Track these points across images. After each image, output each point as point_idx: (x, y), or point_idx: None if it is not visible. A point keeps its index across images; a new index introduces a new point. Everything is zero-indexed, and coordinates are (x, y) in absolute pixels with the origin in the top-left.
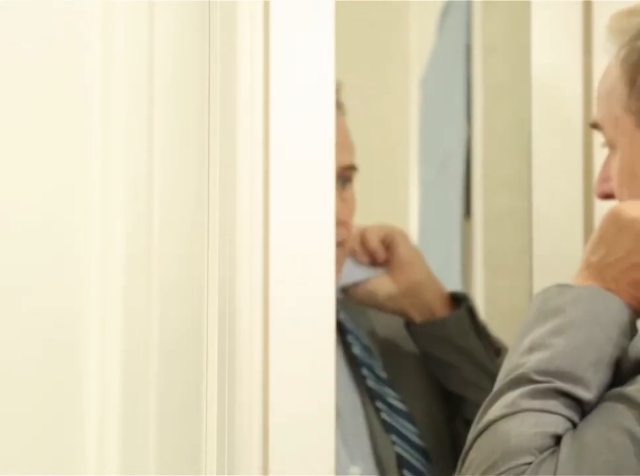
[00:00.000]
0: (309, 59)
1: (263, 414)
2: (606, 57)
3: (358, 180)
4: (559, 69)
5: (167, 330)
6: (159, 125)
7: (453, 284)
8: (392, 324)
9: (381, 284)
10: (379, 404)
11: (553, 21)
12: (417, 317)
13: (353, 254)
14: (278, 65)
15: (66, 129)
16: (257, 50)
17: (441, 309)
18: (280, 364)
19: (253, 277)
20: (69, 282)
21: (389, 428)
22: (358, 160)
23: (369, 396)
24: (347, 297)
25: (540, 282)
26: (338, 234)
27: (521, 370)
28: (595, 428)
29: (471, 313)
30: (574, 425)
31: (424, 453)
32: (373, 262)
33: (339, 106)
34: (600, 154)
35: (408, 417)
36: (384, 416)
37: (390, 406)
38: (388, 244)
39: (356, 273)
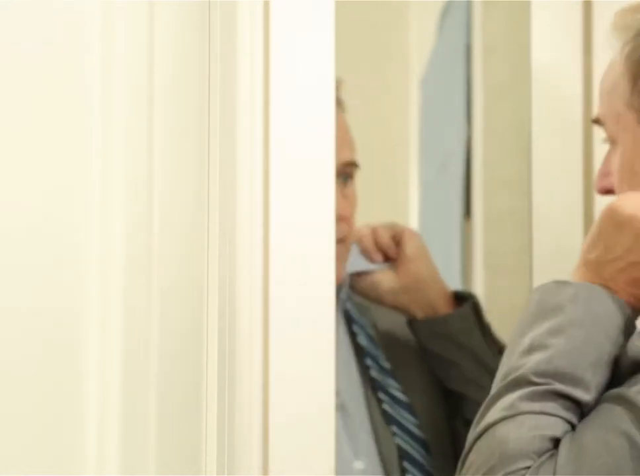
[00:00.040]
0: (309, 59)
1: (263, 414)
2: (609, 54)
3: (358, 180)
4: (559, 69)
5: (167, 330)
6: (159, 125)
7: (453, 284)
8: (394, 318)
9: (384, 278)
10: (381, 395)
11: (553, 21)
12: (419, 314)
13: (365, 253)
14: (278, 65)
15: (66, 129)
16: (257, 50)
17: (444, 307)
18: (280, 364)
19: (253, 278)
20: (69, 282)
21: (389, 419)
22: (358, 160)
23: (372, 387)
24: (351, 287)
25: (540, 282)
26: (339, 230)
27: (520, 372)
28: (593, 430)
29: (477, 310)
30: (573, 427)
31: (423, 444)
32: (385, 259)
33: (339, 103)
34: (600, 153)
35: (409, 408)
36: (385, 407)
37: (392, 397)
38: (397, 240)
39: (361, 264)
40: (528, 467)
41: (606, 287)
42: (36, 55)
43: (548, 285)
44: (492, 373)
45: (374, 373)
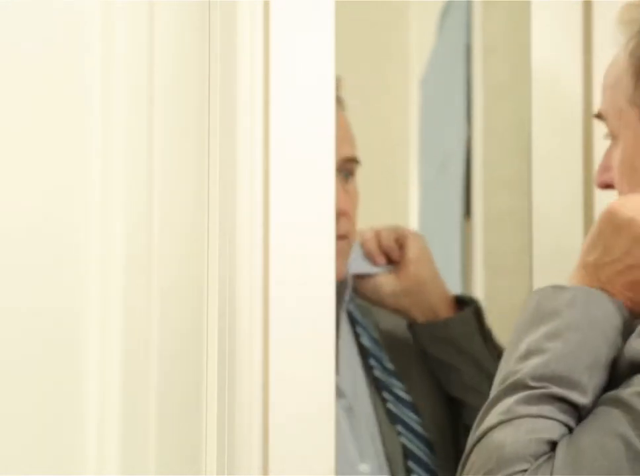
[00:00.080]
0: (309, 59)
1: (263, 414)
2: (610, 52)
3: (358, 180)
4: (559, 69)
5: (167, 330)
6: (159, 125)
7: (453, 284)
8: (397, 320)
9: (386, 280)
10: (386, 395)
11: (553, 21)
12: (419, 317)
13: (369, 255)
14: (278, 65)
15: (66, 129)
16: (257, 50)
17: (444, 311)
18: (280, 364)
19: (253, 278)
20: (69, 282)
21: (394, 419)
22: (359, 157)
23: (376, 387)
24: (354, 288)
25: (540, 282)
26: (341, 226)
27: (517, 376)
28: (590, 433)
29: (478, 315)
30: (570, 430)
31: (428, 444)
32: (388, 261)
33: (339, 101)
34: (600, 153)
35: (413, 407)
36: (390, 406)
37: (396, 396)
38: (401, 243)
39: (362, 265)
40: (525, 470)
41: (604, 289)
42: (36, 55)
43: (545, 290)
44: (492, 379)
45: (378, 373)
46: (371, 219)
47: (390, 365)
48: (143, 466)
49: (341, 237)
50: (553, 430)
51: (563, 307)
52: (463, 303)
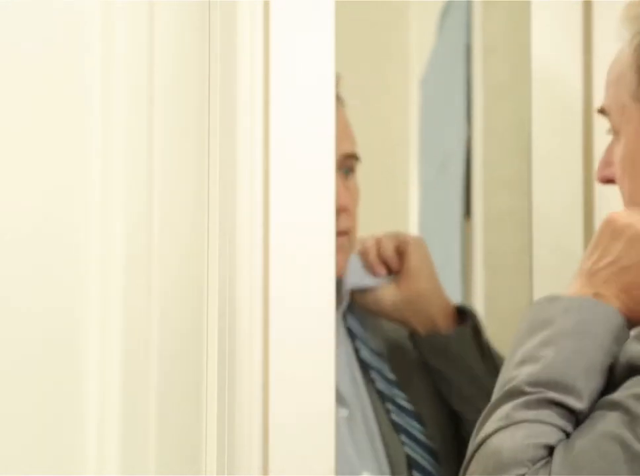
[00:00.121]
0: (309, 59)
1: (263, 414)
2: (611, 51)
3: (358, 180)
4: (559, 69)
5: (167, 330)
6: (159, 125)
7: (453, 284)
8: (397, 329)
9: (387, 292)
10: (389, 406)
11: (553, 21)
12: (419, 328)
13: (368, 266)
14: (278, 65)
15: (66, 129)
16: (257, 50)
17: (444, 323)
18: (280, 364)
19: (253, 278)
20: (69, 282)
21: (398, 428)
22: (358, 164)
23: (379, 398)
24: (352, 301)
25: (540, 282)
26: (342, 222)
27: (513, 383)
28: (587, 436)
29: (476, 331)
30: (567, 435)
31: (432, 453)
32: (388, 271)
33: (338, 98)
34: (600, 152)
35: (416, 417)
36: (393, 416)
37: (399, 406)
38: (402, 251)
39: (362, 278)
40: (523, 475)
41: (600, 295)
42: (36, 55)
43: (540, 301)
44: (489, 394)
45: (380, 385)
46: (371, 218)
47: (392, 376)
48: (143, 466)
49: (342, 233)
50: (550, 435)
51: (557, 316)
52: (464, 313)
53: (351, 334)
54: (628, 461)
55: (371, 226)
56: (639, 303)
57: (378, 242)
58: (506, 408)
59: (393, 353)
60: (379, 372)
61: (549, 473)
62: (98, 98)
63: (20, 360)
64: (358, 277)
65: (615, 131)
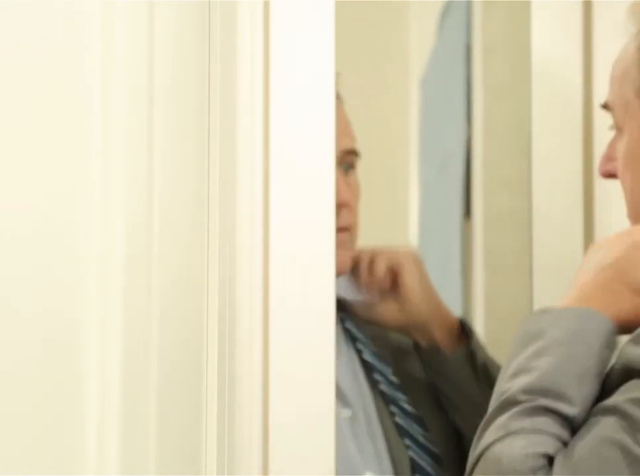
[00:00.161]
0: (309, 59)
1: (263, 414)
2: (614, 48)
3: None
4: (559, 69)
5: (167, 330)
6: (159, 125)
7: (453, 284)
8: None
9: (388, 310)
10: (393, 408)
11: (553, 21)
12: (422, 342)
13: (363, 282)
14: (278, 65)
15: (66, 129)
16: (257, 50)
17: (444, 339)
18: (280, 364)
19: (253, 277)
20: (69, 282)
21: (402, 432)
22: (358, 161)
23: (383, 401)
24: (352, 312)
25: (540, 282)
26: (343, 218)
27: (507, 394)
28: (586, 443)
29: (472, 354)
30: (565, 443)
31: (435, 457)
32: (380, 290)
33: (337, 96)
34: (600, 152)
35: (420, 421)
36: (398, 419)
37: (403, 410)
38: (395, 272)
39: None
40: None
41: (591, 306)
42: (36, 55)
43: (532, 314)
44: (481, 413)
45: (383, 387)
46: (371, 218)
47: (395, 379)
48: (143, 466)
49: (344, 229)
50: (548, 444)
51: (548, 327)
52: (465, 328)
53: (351, 336)
54: (629, 466)
55: (371, 226)
56: (626, 308)
57: (370, 263)
58: (502, 418)
59: (395, 357)
60: (383, 374)
61: None
62: (98, 98)
63: (20, 360)
64: (352, 293)
65: (618, 128)
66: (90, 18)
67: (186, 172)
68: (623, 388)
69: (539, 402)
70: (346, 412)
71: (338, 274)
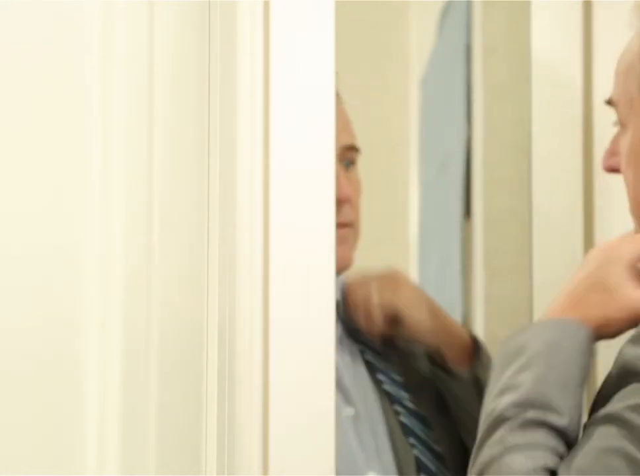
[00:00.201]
0: (309, 59)
1: (263, 414)
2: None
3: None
4: (559, 69)
5: (167, 330)
6: (159, 125)
7: (453, 284)
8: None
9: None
10: (397, 407)
11: (553, 21)
12: (434, 355)
13: (363, 329)
14: (278, 65)
15: (66, 129)
16: (257, 50)
17: (456, 360)
18: (280, 364)
19: (253, 277)
20: (69, 282)
21: (407, 431)
22: (358, 161)
23: (388, 400)
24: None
25: (540, 282)
26: (345, 214)
27: (495, 413)
28: (589, 453)
29: (477, 380)
30: (561, 455)
31: (439, 457)
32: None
33: (336, 95)
34: (600, 152)
35: (424, 421)
36: (402, 418)
37: (408, 409)
38: (394, 318)
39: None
40: None
41: (575, 314)
42: (36, 55)
43: (508, 336)
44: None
45: (387, 386)
46: (371, 218)
47: (398, 378)
48: (143, 466)
49: (346, 225)
50: (545, 457)
51: (527, 342)
52: (477, 346)
53: (353, 335)
54: (633, 474)
55: (371, 226)
56: (601, 314)
57: (367, 306)
58: (495, 436)
59: (399, 357)
60: (386, 374)
61: None
62: (98, 98)
63: (20, 360)
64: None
65: (622, 123)
66: (90, 18)
67: (186, 172)
68: (621, 393)
69: (528, 415)
70: (349, 411)
71: (341, 270)
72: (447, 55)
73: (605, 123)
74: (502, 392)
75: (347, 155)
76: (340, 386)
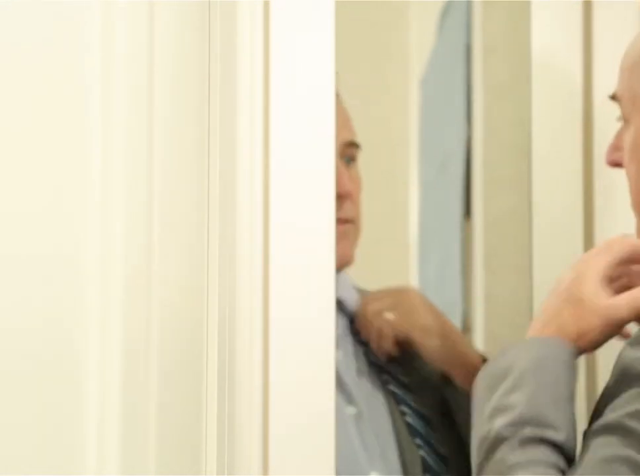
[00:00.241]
0: (309, 59)
1: (263, 414)
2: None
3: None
4: (559, 69)
5: (167, 329)
6: (159, 125)
7: (453, 284)
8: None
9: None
10: (404, 408)
11: (553, 21)
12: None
13: (372, 344)
14: (278, 65)
15: (66, 129)
16: (257, 50)
17: (466, 381)
18: (280, 364)
19: (253, 277)
20: (69, 282)
21: (413, 432)
22: (358, 160)
23: (395, 400)
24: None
25: (540, 282)
26: (347, 210)
27: (492, 435)
28: (593, 464)
29: None
30: (562, 470)
31: (444, 459)
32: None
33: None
34: (600, 153)
35: (429, 422)
36: (408, 419)
37: (413, 409)
38: (405, 340)
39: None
40: None
41: (555, 332)
42: (36, 55)
43: (491, 359)
44: None
45: (393, 387)
46: (371, 218)
47: (404, 379)
48: (143, 466)
49: (347, 221)
50: (547, 473)
51: (511, 365)
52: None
53: (357, 336)
54: None
55: (371, 226)
56: (576, 330)
57: (379, 333)
58: (496, 458)
59: (404, 358)
60: (392, 374)
61: None
62: (98, 98)
63: (20, 360)
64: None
65: (625, 119)
66: (90, 18)
67: (186, 172)
68: (621, 399)
69: (525, 433)
70: (351, 410)
71: (342, 266)
72: (447, 55)
73: (606, 123)
74: (495, 414)
75: (347, 152)
76: (341, 385)
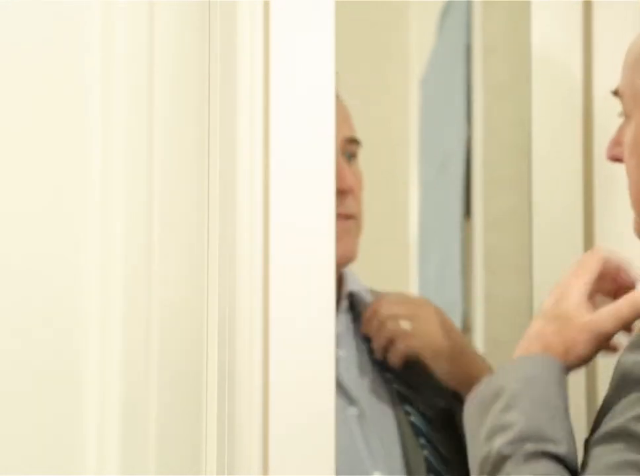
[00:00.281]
0: (309, 59)
1: (263, 414)
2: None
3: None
4: (559, 69)
5: (167, 329)
6: (159, 125)
7: (453, 284)
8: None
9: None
10: (408, 408)
11: (553, 21)
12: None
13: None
14: (278, 65)
15: (66, 129)
16: (257, 50)
17: (466, 389)
18: (280, 364)
19: (253, 277)
20: (69, 282)
21: (418, 431)
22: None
23: (399, 399)
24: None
25: (540, 282)
26: (349, 206)
27: (493, 454)
28: (602, 471)
29: None
30: None
31: (448, 460)
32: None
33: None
34: (600, 153)
35: (433, 421)
36: (413, 418)
37: (417, 409)
38: (414, 358)
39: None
40: None
41: (543, 348)
42: (36, 55)
43: (480, 384)
44: None
45: (397, 386)
46: (371, 219)
47: (408, 378)
48: (143, 466)
49: (349, 217)
50: None
51: (503, 385)
52: None
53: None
54: None
55: (371, 226)
56: (562, 348)
57: (388, 341)
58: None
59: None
60: (395, 373)
61: None
62: (98, 98)
63: (20, 361)
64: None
65: (626, 115)
66: (90, 18)
67: (186, 172)
68: (622, 404)
69: (527, 448)
70: (353, 410)
71: (345, 262)
72: (447, 55)
73: (606, 123)
74: (493, 434)
75: (348, 148)
76: (341, 385)
